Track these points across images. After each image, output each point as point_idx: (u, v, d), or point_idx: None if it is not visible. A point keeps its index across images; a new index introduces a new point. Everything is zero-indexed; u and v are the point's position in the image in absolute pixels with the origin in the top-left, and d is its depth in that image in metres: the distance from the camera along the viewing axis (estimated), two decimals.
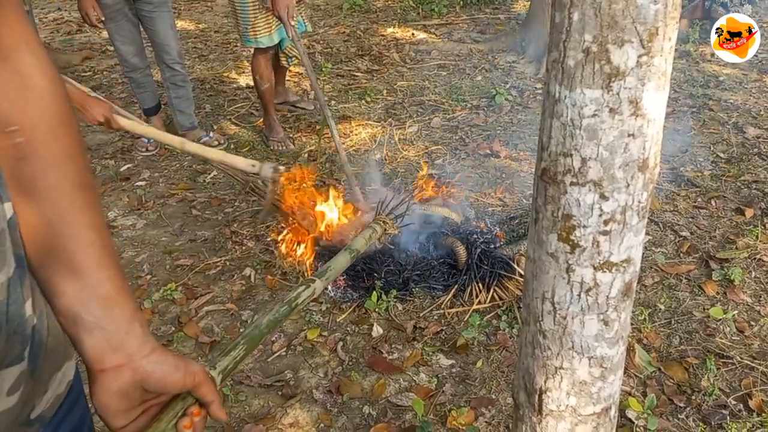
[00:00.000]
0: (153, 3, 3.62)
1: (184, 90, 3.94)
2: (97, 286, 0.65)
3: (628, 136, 0.83)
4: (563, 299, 0.97)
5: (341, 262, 1.46)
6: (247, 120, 4.48)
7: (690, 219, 3.04)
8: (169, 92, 3.94)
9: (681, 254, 2.78)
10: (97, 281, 0.66)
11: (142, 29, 3.79)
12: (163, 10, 3.67)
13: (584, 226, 0.90)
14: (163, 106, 4.18)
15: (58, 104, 0.67)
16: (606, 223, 0.89)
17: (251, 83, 5.12)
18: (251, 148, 4.00)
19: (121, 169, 3.81)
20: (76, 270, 0.65)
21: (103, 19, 3.50)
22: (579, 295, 0.96)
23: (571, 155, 0.87)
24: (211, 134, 4.07)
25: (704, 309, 2.45)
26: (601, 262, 0.92)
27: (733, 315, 2.39)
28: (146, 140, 3.94)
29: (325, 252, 2.70)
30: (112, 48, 6.22)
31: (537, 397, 1.08)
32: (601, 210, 0.88)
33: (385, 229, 2.15)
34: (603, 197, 0.87)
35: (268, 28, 3.55)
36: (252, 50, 3.82)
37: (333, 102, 4.69)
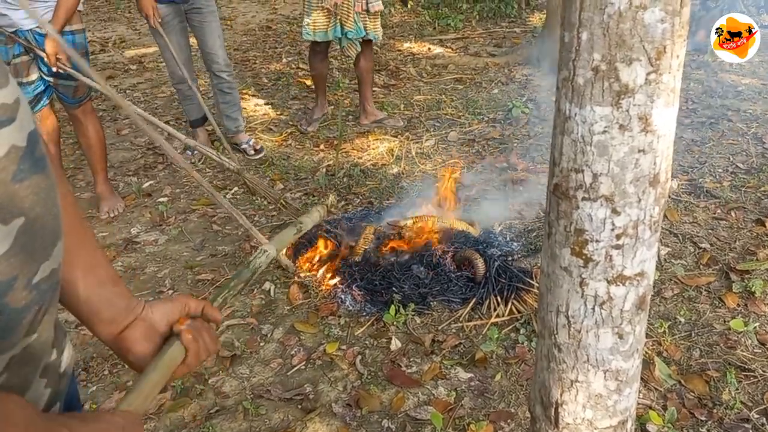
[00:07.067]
0: (202, 13, 3.82)
1: (231, 96, 4.13)
2: (105, 274, 0.88)
3: (639, 151, 0.85)
4: (577, 313, 0.98)
5: (289, 233, 1.77)
6: (265, 136, 4.54)
7: (709, 230, 3.02)
8: (217, 98, 4.17)
9: (701, 266, 2.76)
10: (105, 270, 0.88)
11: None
12: (211, 19, 3.87)
13: (597, 241, 0.92)
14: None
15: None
16: (618, 237, 0.91)
17: (270, 100, 5.22)
18: (270, 164, 4.05)
19: (144, 186, 3.87)
20: (90, 267, 0.86)
21: (160, 20, 3.65)
22: (593, 309, 0.97)
23: (583, 171, 0.88)
24: (251, 141, 4.22)
25: (725, 321, 2.43)
26: (615, 275, 0.94)
27: (755, 327, 2.36)
28: (189, 152, 4.12)
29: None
30: (134, 67, 6.40)
31: (553, 410, 1.09)
32: (613, 224, 0.90)
33: (329, 210, 2.75)
34: (615, 212, 0.89)
35: (325, 26, 4.06)
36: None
37: (350, 117, 4.74)
